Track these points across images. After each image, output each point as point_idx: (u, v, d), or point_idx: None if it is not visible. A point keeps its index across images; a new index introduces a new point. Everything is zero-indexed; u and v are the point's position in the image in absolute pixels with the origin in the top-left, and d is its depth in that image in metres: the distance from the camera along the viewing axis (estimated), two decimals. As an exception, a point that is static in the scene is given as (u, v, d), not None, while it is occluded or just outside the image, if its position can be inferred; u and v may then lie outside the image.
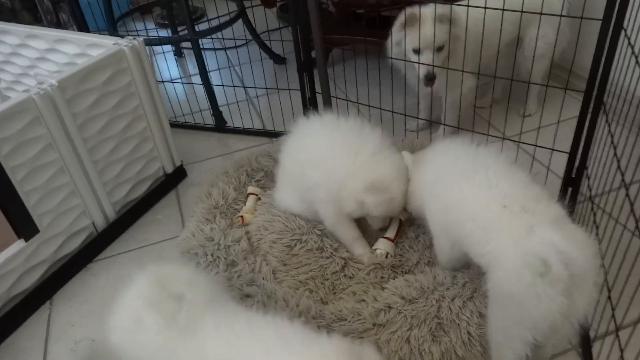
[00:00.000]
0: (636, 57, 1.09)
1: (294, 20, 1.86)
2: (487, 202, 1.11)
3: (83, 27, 2.34)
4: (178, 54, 2.95)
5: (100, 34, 1.81)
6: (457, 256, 1.25)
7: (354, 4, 2.57)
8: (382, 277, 1.34)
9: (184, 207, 1.84)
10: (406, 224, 1.50)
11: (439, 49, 1.62)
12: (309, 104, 2.04)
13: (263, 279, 1.31)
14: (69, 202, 1.54)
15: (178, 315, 0.92)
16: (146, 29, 2.63)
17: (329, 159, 1.34)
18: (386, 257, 1.39)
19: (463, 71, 1.58)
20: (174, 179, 1.96)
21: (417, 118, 2.07)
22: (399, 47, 1.70)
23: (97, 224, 1.67)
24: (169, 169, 1.92)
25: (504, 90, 2.22)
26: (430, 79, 1.66)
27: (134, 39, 1.69)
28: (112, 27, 2.43)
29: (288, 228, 1.46)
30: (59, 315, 1.47)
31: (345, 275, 1.36)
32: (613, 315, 1.08)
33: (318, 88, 1.98)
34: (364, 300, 1.26)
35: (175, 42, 2.84)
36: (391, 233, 1.45)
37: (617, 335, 1.05)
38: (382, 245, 1.41)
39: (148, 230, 1.76)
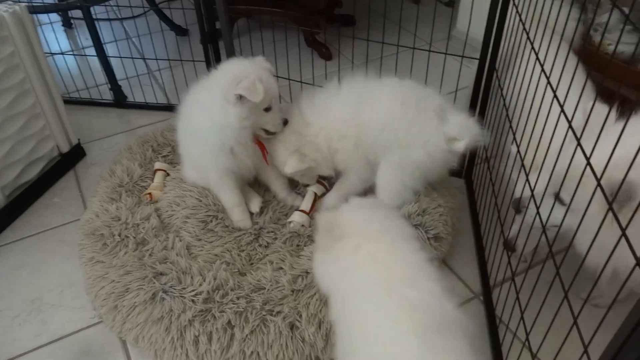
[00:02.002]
0: (523, 24, 1.18)
1: (195, -12, 1.78)
2: (390, 106, 1.30)
3: (-50, -8, 2.07)
4: (67, 24, 2.71)
5: (-28, -2, 1.61)
6: (369, 175, 1.40)
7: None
8: (298, 245, 1.36)
9: (85, 188, 1.72)
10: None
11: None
12: (216, 76, 1.98)
13: (177, 255, 1.27)
14: (-52, 188, 1.38)
15: None
16: (28, -3, 2.38)
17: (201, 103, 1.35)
18: (302, 227, 1.41)
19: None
20: (71, 158, 1.82)
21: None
22: None
23: (-16, 211, 1.52)
24: (65, 148, 1.78)
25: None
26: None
27: (15, 4, 1.52)
28: (-13, -7, 2.17)
29: (202, 204, 1.42)
30: (-55, 312, 1.33)
31: (260, 245, 1.36)
32: (509, 262, 1.19)
33: (224, 60, 1.92)
34: (281, 268, 1.27)
35: (63, 10, 2.60)
36: (306, 206, 1.46)
37: (513, 281, 1.16)
38: (297, 218, 1.42)
39: (45, 215, 1.63)
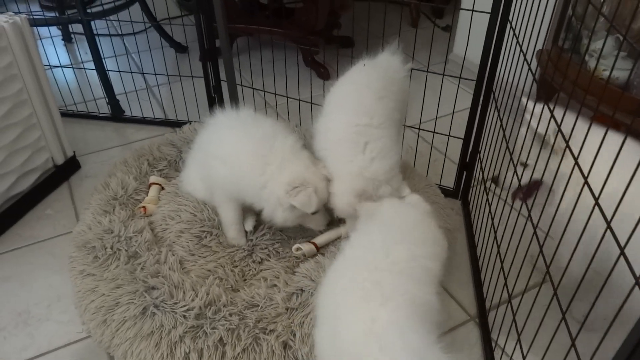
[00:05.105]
0: (520, 46, 1.19)
1: (196, 7, 1.79)
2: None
3: (-48, 4, 2.09)
4: (67, 38, 2.73)
5: (-26, 9, 1.62)
6: None
7: (257, -7, 2.55)
8: (293, 263, 1.34)
9: (78, 201, 1.71)
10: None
11: None
12: (214, 93, 1.98)
13: (169, 269, 1.25)
14: (-61, 196, 1.36)
15: None
16: (30, 11, 2.40)
17: (241, 162, 1.28)
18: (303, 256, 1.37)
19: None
20: (66, 170, 1.80)
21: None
22: None
23: (-25, 221, 1.49)
24: (60, 160, 1.77)
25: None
26: None
27: (16, 15, 1.53)
28: (-12, 5, 2.19)
29: (197, 218, 1.41)
30: None
31: (254, 261, 1.34)
32: (505, 284, 1.18)
33: (222, 77, 1.94)
34: (275, 285, 1.25)
35: (64, 23, 2.62)
36: (320, 240, 1.38)
37: (510, 303, 1.15)
38: (306, 248, 1.35)
39: (36, 227, 1.61)
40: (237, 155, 1.29)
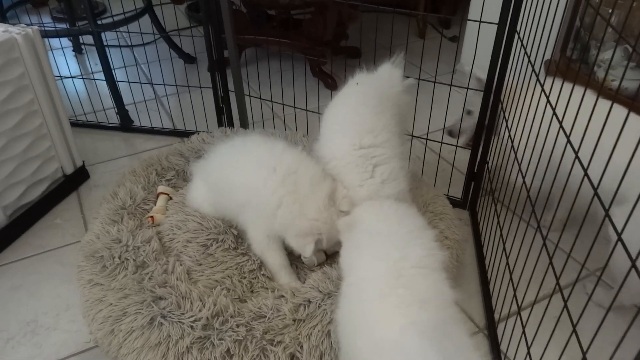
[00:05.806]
0: (528, 56, 1.19)
1: (205, 19, 1.81)
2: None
3: (-34, 16, 2.12)
4: (77, 49, 2.76)
5: (-13, 21, 1.64)
6: None
7: (265, 4, 2.57)
8: (300, 273, 1.34)
9: (87, 210, 1.71)
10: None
11: None
12: (222, 103, 2.00)
13: (177, 279, 1.25)
14: (-50, 206, 1.38)
15: None
16: (42, 23, 2.44)
17: (266, 198, 1.25)
18: (314, 265, 1.37)
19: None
20: (75, 180, 1.82)
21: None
22: None
23: (-15, 230, 1.50)
24: (69, 170, 1.78)
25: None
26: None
27: (28, 27, 1.55)
28: (1, 17, 2.22)
29: (203, 227, 1.41)
30: (-62, 333, 1.31)
31: (263, 275, 1.33)
32: (515, 296, 1.17)
33: (231, 87, 1.95)
34: (283, 296, 1.25)
35: (75, 34, 2.65)
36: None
37: (519, 315, 1.14)
38: (317, 256, 1.35)
39: (45, 236, 1.62)
40: (260, 192, 1.26)
